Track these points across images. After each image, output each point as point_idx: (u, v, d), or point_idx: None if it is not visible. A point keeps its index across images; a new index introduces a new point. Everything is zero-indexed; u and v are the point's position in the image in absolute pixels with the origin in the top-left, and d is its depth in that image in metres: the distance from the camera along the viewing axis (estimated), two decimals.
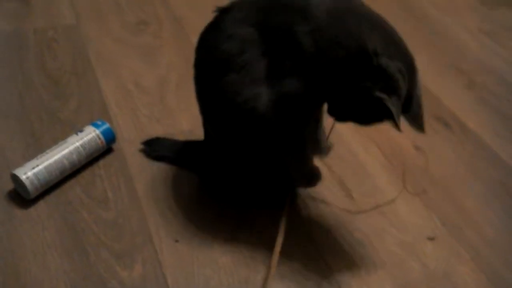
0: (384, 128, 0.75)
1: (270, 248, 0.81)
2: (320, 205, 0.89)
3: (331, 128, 0.85)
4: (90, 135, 0.90)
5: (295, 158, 0.79)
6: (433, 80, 1.16)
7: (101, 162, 0.93)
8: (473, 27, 1.36)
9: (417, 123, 0.73)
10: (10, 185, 0.86)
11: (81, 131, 0.91)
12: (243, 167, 0.82)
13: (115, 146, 0.96)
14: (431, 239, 0.85)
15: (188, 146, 0.95)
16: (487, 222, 0.88)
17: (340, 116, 0.74)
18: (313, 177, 0.84)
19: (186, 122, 1.02)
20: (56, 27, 1.23)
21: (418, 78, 0.73)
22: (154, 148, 0.95)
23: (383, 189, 0.92)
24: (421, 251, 0.83)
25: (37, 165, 0.84)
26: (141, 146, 0.95)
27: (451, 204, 0.91)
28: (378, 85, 0.68)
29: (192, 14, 1.31)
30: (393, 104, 0.67)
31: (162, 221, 0.84)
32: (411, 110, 0.72)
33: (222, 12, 0.77)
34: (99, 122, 0.93)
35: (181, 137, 0.98)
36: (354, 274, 0.79)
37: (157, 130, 1.00)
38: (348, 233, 0.85)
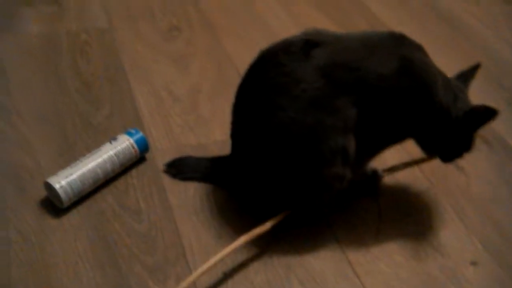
0: None
1: (305, 266, 0.79)
2: (355, 220, 0.86)
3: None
4: (124, 144, 0.89)
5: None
6: (474, 96, 1.13)
7: (134, 171, 0.91)
8: (509, 37, 1.32)
9: None
10: (43, 193, 0.85)
11: (115, 139, 0.89)
12: (275, 188, 0.80)
13: (148, 155, 0.94)
14: (473, 264, 0.82)
15: (213, 163, 0.91)
16: None
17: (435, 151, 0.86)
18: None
19: (220, 132, 1.00)
20: (89, 31, 1.23)
21: None
22: (179, 170, 0.91)
23: (421, 210, 0.89)
24: (462, 276, 0.80)
25: (71, 174, 0.83)
26: (165, 168, 0.91)
27: (492, 226, 0.88)
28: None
29: (225, 21, 1.29)
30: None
31: (195, 235, 0.82)
32: None
33: (310, 45, 0.74)
34: (133, 131, 0.92)
35: (214, 148, 0.96)
36: None
37: (190, 140, 0.98)
38: (388, 256, 0.82)
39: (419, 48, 0.79)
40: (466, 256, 0.83)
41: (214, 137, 0.99)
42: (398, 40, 0.78)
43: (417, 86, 0.76)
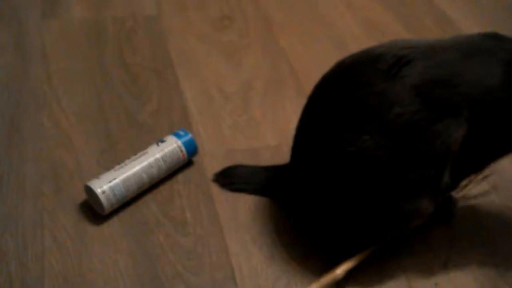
0: None
1: None
2: (423, 249, 0.77)
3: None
4: (171, 146, 0.81)
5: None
6: None
7: (180, 176, 0.84)
8: None
9: None
10: (82, 195, 0.79)
11: (162, 141, 0.82)
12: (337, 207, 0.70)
13: (195, 158, 0.87)
14: None
15: (269, 174, 0.82)
16: None
17: None
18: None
19: (272, 136, 0.92)
20: (136, 17, 1.15)
21: None
22: (229, 180, 0.82)
23: (497, 238, 0.79)
24: None
25: (114, 178, 0.75)
26: (214, 177, 0.84)
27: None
28: None
29: (281, 14, 1.20)
30: None
31: (245, 254, 0.74)
32: None
33: (402, 63, 0.64)
34: (181, 132, 0.84)
35: (266, 153, 0.88)
36: None
37: (241, 143, 0.90)
38: (451, 283, 0.73)
39: None
40: None
41: (266, 141, 0.91)
42: (495, 41, 0.67)
43: None
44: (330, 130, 0.66)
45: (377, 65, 0.64)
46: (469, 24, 1.21)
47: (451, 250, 0.77)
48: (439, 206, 0.79)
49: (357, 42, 1.13)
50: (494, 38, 0.67)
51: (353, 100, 0.64)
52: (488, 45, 0.66)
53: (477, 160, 0.68)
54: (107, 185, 0.75)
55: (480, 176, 0.86)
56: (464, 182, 0.83)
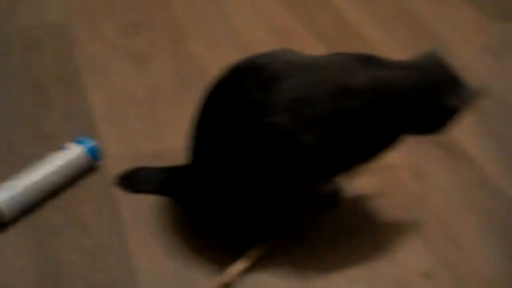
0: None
1: (259, 285, 0.77)
2: (309, 232, 0.84)
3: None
4: (74, 153, 0.84)
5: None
6: None
7: (84, 182, 0.87)
8: (478, 44, 1.32)
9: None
10: None
11: (64, 148, 0.85)
12: (234, 199, 0.77)
13: (99, 164, 0.90)
14: (426, 276, 0.81)
15: (169, 174, 0.87)
16: (485, 259, 0.85)
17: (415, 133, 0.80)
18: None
19: (177, 138, 0.96)
20: (43, 25, 1.16)
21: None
22: (131, 182, 0.86)
23: (377, 221, 0.88)
24: None
25: (15, 186, 0.78)
26: (116, 180, 0.87)
27: (447, 238, 0.87)
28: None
29: (190, 19, 1.25)
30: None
31: (147, 253, 0.79)
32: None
33: (280, 77, 0.72)
34: (84, 139, 0.87)
35: (172, 155, 0.92)
36: None
37: (147, 147, 0.94)
38: (344, 270, 0.80)
39: (381, 64, 0.77)
40: (420, 268, 0.82)
41: (172, 143, 0.96)
42: (362, 64, 0.76)
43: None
44: (218, 133, 0.73)
45: (258, 75, 0.72)
46: (369, 28, 1.31)
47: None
48: (326, 195, 0.87)
49: (262, 46, 1.20)
50: (364, 60, 0.76)
51: (236, 105, 0.72)
52: (358, 66, 0.75)
53: (341, 162, 0.77)
54: (7, 193, 0.77)
55: (366, 169, 0.94)
56: (352, 173, 0.91)
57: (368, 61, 0.76)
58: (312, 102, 0.72)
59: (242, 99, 0.72)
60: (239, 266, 0.76)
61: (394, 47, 1.25)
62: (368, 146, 0.77)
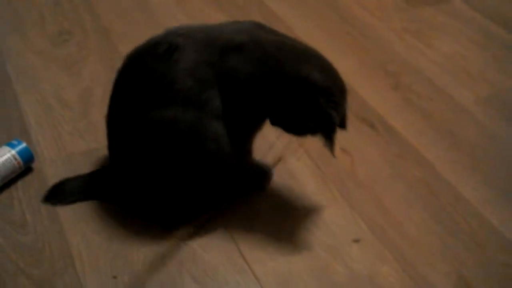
0: None
1: (197, 261, 0.80)
2: (242, 207, 0.89)
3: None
4: (5, 156, 0.87)
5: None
6: (360, 82, 1.18)
7: (19, 183, 0.89)
8: (399, 28, 1.39)
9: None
10: None
11: None
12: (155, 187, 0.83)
13: (34, 165, 0.92)
14: (356, 241, 0.87)
15: (92, 179, 0.90)
16: (410, 222, 0.91)
17: (283, 127, 0.85)
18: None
19: None
20: None
21: (347, 98, 0.85)
22: (59, 197, 0.87)
23: (308, 193, 0.93)
24: (346, 254, 0.84)
25: None
26: (44, 200, 0.87)
27: (375, 205, 0.93)
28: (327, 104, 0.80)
29: (120, 24, 1.28)
30: (335, 118, 0.80)
31: (84, 243, 0.82)
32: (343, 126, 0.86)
33: (173, 48, 0.78)
34: (15, 142, 0.89)
35: (104, 152, 0.95)
36: (278, 279, 0.80)
37: (80, 146, 0.97)
38: (273, 237, 0.85)
39: (269, 31, 0.84)
40: (350, 234, 0.88)
41: (104, 142, 0.98)
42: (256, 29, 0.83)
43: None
44: (131, 115, 0.79)
45: (154, 51, 0.79)
46: (300, 24, 1.36)
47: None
48: (255, 176, 0.92)
49: None
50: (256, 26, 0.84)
51: (143, 85, 0.79)
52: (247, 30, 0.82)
53: (239, 127, 0.82)
54: None
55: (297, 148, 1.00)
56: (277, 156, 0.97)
57: (259, 27, 0.84)
58: (208, 64, 0.78)
59: (145, 75, 0.79)
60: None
61: (323, 38, 1.31)
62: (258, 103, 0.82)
